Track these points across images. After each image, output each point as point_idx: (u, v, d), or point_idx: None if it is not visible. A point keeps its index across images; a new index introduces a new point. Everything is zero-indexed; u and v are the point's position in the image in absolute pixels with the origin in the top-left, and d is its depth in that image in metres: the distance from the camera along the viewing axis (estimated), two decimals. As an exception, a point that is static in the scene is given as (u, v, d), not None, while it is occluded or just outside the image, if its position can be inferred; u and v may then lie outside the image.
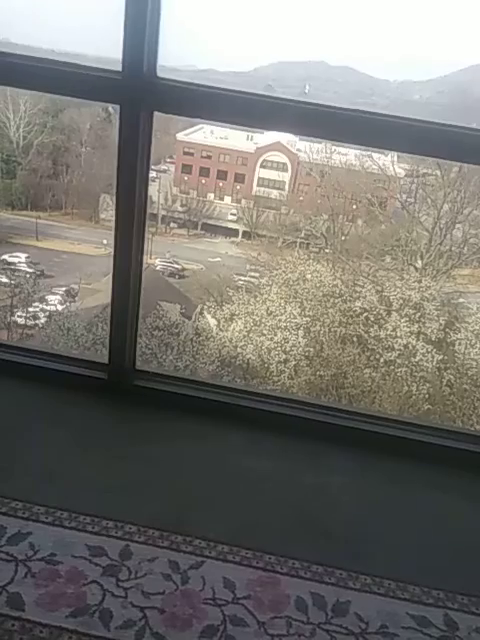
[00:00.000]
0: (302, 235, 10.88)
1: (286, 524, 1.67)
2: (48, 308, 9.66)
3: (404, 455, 1.94)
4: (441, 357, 8.53)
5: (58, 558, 1.45)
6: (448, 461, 1.94)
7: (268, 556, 1.53)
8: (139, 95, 1.68)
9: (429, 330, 8.73)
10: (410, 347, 8.56)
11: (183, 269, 11.26)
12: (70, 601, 1.35)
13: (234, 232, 12.03)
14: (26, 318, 9.57)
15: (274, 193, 11.60)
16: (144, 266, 1.96)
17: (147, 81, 1.66)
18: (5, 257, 10.59)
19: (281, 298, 8.93)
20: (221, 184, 12.05)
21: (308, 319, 8.79)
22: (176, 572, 1.46)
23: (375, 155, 9.94)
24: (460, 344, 8.51)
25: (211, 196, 12.16)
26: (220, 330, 8.97)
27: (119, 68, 1.66)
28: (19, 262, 10.50)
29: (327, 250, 10.36)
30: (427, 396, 8.35)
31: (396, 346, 8.58)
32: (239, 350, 8.65)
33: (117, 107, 1.71)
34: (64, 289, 10.20)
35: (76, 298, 10.07)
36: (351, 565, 1.54)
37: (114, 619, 1.33)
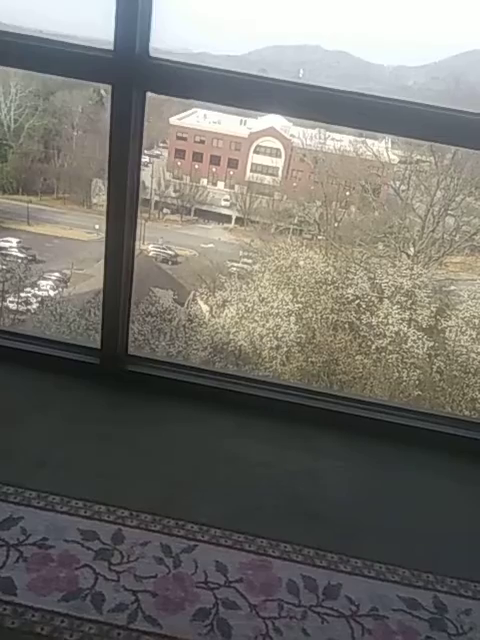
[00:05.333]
0: (295, 221, 10.85)
1: (277, 508, 1.67)
2: (40, 293, 9.61)
3: (394, 440, 1.95)
4: (432, 344, 8.59)
5: (50, 542, 1.45)
6: (438, 446, 1.96)
7: (260, 540, 1.54)
8: (131, 74, 1.64)
9: (420, 317, 8.77)
10: (401, 334, 8.60)
11: (176, 255, 11.21)
12: (62, 585, 1.36)
13: (227, 218, 11.96)
14: (18, 303, 9.52)
15: (267, 179, 11.53)
16: (137, 252, 1.95)
17: (139, 60, 1.63)
18: (-4, 242, 10.50)
19: (273, 285, 8.92)
20: (214, 169, 11.96)
21: (300, 306, 8.79)
22: (168, 556, 1.46)
23: (369, 141, 9.89)
24: (451, 331, 8.56)
25: (204, 181, 12.07)
26: (212, 316, 8.96)
27: (111, 48, 1.63)
28: (10, 247, 10.42)
29: (320, 237, 10.34)
30: (417, 382, 8.41)
31: (387, 333, 8.61)
32: (231, 336, 8.66)
33: (109, 87, 1.67)
34: (56, 274, 10.14)
35: (68, 283, 10.01)
36: (342, 548, 1.55)
37: (106, 602, 1.33)
